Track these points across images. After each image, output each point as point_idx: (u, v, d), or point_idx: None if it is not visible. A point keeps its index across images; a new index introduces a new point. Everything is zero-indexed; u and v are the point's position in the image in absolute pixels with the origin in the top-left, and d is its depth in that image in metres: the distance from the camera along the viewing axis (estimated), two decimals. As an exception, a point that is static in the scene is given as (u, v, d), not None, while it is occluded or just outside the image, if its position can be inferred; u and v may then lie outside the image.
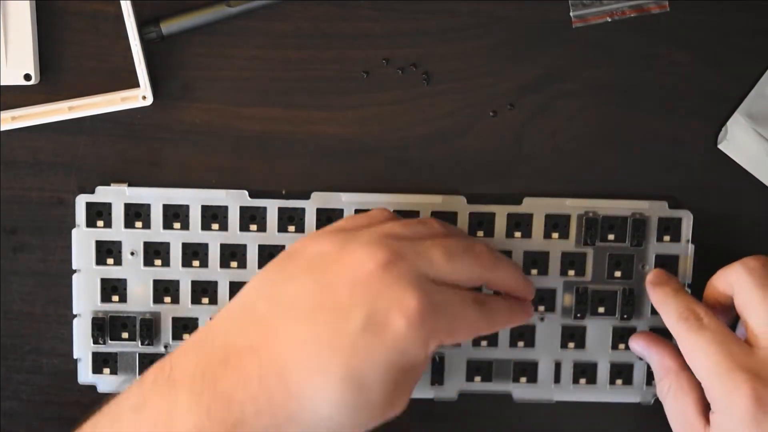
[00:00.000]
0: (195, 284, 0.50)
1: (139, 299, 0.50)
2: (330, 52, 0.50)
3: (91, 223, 0.50)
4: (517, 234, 0.51)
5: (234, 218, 0.50)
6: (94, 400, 0.50)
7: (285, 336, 0.40)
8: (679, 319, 0.46)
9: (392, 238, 0.43)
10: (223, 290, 0.50)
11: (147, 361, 0.50)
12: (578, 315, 0.51)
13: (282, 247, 0.50)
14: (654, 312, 0.51)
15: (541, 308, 0.51)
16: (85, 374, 0.51)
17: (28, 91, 0.49)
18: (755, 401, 0.43)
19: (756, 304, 0.45)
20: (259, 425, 0.39)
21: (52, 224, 0.50)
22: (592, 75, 0.51)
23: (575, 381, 0.52)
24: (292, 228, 0.50)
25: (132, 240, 0.50)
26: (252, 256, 0.50)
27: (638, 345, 0.50)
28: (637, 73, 0.51)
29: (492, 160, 0.51)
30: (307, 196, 0.50)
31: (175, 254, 0.50)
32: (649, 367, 0.51)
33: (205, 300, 0.50)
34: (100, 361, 0.51)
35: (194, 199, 0.50)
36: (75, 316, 0.50)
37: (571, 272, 0.51)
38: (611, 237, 0.51)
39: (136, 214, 0.50)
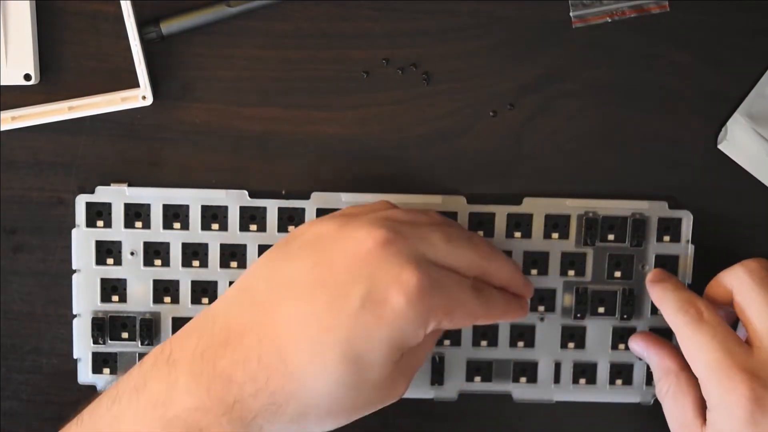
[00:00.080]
0: (195, 284, 0.50)
1: (139, 299, 0.50)
2: (330, 52, 0.50)
3: (91, 223, 0.50)
4: (517, 234, 0.51)
5: (234, 218, 0.50)
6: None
7: (284, 315, 0.40)
8: (679, 311, 0.46)
9: (392, 221, 0.43)
10: (222, 290, 0.50)
11: (147, 361, 0.50)
12: (578, 315, 0.51)
13: (282, 247, 0.50)
14: (654, 312, 0.51)
15: (541, 308, 0.51)
16: (85, 374, 0.51)
17: (28, 91, 0.49)
18: (753, 402, 0.43)
19: (756, 305, 0.45)
20: (259, 404, 0.40)
21: (52, 224, 0.50)
22: (592, 75, 0.50)
23: (575, 381, 0.52)
24: (292, 228, 0.50)
25: (132, 240, 0.50)
26: (252, 256, 0.50)
27: (637, 345, 0.50)
28: (637, 73, 0.51)
29: (492, 160, 0.51)
30: (307, 196, 0.50)
31: (175, 254, 0.50)
32: (648, 368, 0.51)
33: (205, 300, 0.50)
34: (100, 361, 0.51)
35: (194, 199, 0.50)
36: (75, 316, 0.50)
37: (571, 272, 0.51)
38: (611, 237, 0.51)
39: (136, 214, 0.50)
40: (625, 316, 0.51)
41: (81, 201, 0.50)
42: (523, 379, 0.52)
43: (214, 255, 0.50)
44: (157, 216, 0.50)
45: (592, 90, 0.51)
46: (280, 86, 0.50)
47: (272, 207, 0.50)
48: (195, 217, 0.50)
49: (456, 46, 0.50)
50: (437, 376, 0.51)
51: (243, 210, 0.50)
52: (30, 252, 0.50)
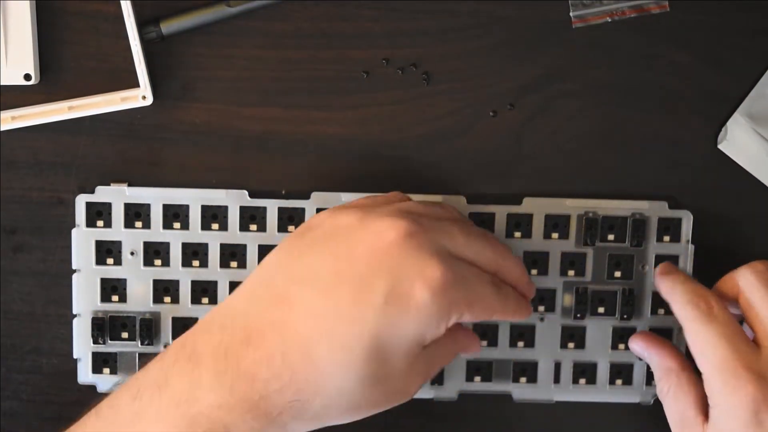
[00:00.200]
0: (195, 284, 0.50)
1: (139, 299, 0.50)
2: (330, 52, 0.50)
3: (91, 223, 0.50)
4: (517, 234, 0.51)
5: (234, 218, 0.50)
6: (94, 400, 0.51)
7: (306, 310, 0.40)
8: (688, 303, 0.46)
9: (412, 212, 0.43)
10: (222, 290, 0.50)
11: (147, 361, 0.50)
12: (578, 315, 0.51)
13: (282, 247, 0.50)
14: (654, 312, 0.51)
15: (541, 308, 0.51)
16: (85, 374, 0.51)
17: (28, 91, 0.49)
18: (758, 402, 0.43)
19: (763, 305, 0.45)
20: (284, 400, 0.40)
21: (52, 224, 0.50)
22: (592, 75, 0.50)
23: (575, 381, 0.52)
24: (292, 228, 0.50)
25: (132, 240, 0.50)
26: (252, 256, 0.50)
27: (638, 345, 0.50)
28: (637, 73, 0.51)
29: (492, 160, 0.51)
30: (307, 196, 0.50)
31: (175, 254, 0.50)
32: (649, 367, 0.51)
33: (205, 300, 0.50)
34: (100, 361, 0.51)
35: (194, 199, 0.50)
36: (75, 316, 0.50)
37: (571, 272, 0.51)
38: (611, 237, 0.51)
39: (136, 214, 0.50)
40: (625, 316, 0.51)
41: (81, 201, 0.50)
42: (523, 379, 0.52)
43: (214, 255, 0.50)
44: (157, 216, 0.50)
45: (592, 90, 0.51)
46: (280, 86, 0.50)
47: (272, 207, 0.50)
48: (195, 217, 0.50)
49: (456, 46, 0.50)
50: (437, 375, 0.51)
51: (243, 210, 0.50)
52: (30, 252, 0.50)
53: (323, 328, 0.40)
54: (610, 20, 0.50)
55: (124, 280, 0.50)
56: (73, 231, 0.50)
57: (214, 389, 0.40)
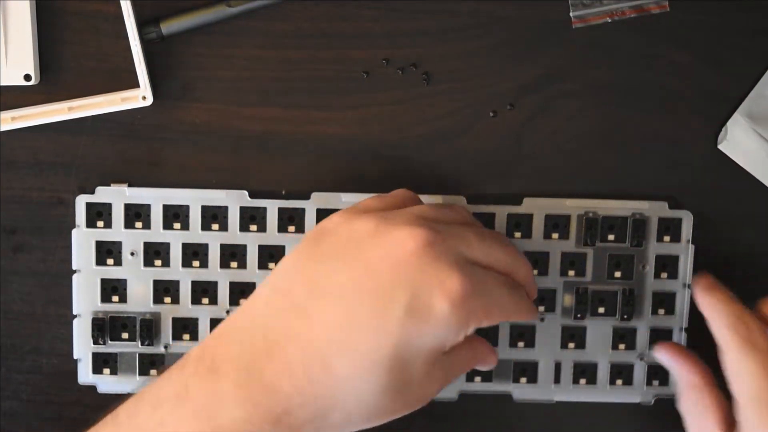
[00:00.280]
0: (195, 284, 0.50)
1: (139, 299, 0.50)
2: (330, 52, 0.50)
3: (91, 223, 0.50)
4: (517, 234, 0.51)
5: (234, 218, 0.50)
6: (94, 401, 0.51)
7: (326, 322, 0.40)
8: (728, 328, 0.45)
9: (427, 219, 0.43)
10: (223, 290, 0.50)
11: (147, 361, 0.50)
12: (578, 315, 0.51)
13: (282, 248, 0.50)
14: (654, 312, 0.51)
15: (541, 308, 0.51)
16: (85, 374, 0.51)
17: (28, 91, 0.49)
18: None
19: None
20: (306, 414, 0.39)
21: (52, 224, 0.50)
22: (592, 75, 0.51)
23: (575, 381, 0.52)
24: (292, 228, 0.50)
25: (132, 240, 0.50)
26: (252, 256, 0.50)
27: (664, 355, 0.50)
28: (637, 73, 0.51)
29: (492, 160, 0.51)
30: (307, 196, 0.50)
31: (175, 254, 0.50)
32: (649, 368, 0.51)
33: (205, 300, 0.50)
34: (100, 362, 0.51)
35: (194, 199, 0.50)
36: (75, 316, 0.50)
37: (571, 272, 0.51)
38: (611, 237, 0.51)
39: (136, 214, 0.50)
40: (625, 317, 0.51)
41: (81, 201, 0.50)
42: (523, 379, 0.52)
43: (214, 255, 0.50)
44: (157, 216, 0.50)
45: (592, 90, 0.51)
46: (280, 86, 0.50)
47: (272, 207, 0.50)
48: (195, 217, 0.50)
49: (456, 46, 0.50)
50: (437, 376, 0.51)
51: (243, 210, 0.50)
52: (30, 252, 0.50)
53: (344, 341, 0.40)
54: (610, 20, 0.50)
55: (125, 280, 0.50)
56: (73, 231, 0.50)
57: (236, 402, 0.39)
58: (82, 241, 0.50)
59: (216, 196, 0.50)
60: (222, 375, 0.40)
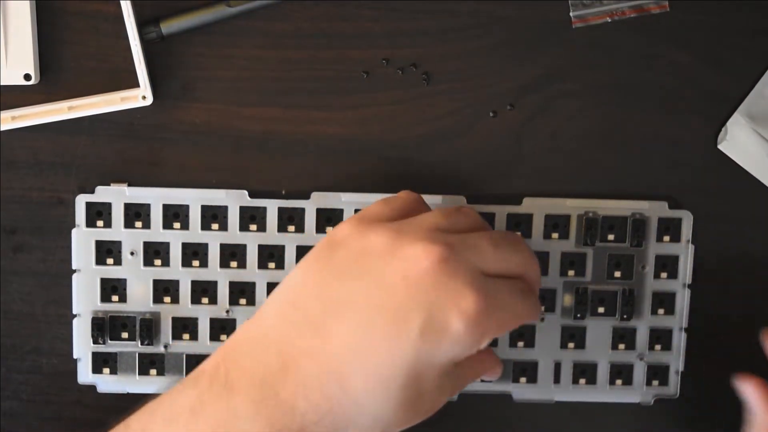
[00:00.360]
0: (195, 284, 0.50)
1: (139, 299, 0.50)
2: (330, 52, 0.50)
3: (91, 223, 0.50)
4: (517, 234, 0.51)
5: (234, 218, 0.50)
6: (94, 400, 0.51)
7: (343, 340, 0.40)
8: None
9: (440, 231, 0.42)
10: (222, 290, 0.50)
11: (147, 361, 0.50)
12: (578, 315, 0.51)
13: (282, 248, 0.50)
14: (654, 312, 0.51)
15: (541, 308, 0.51)
16: (85, 374, 0.51)
17: (28, 91, 0.49)
18: None
19: None
20: (320, 430, 0.39)
21: (52, 224, 0.50)
22: (592, 75, 0.50)
23: (575, 381, 0.52)
24: (292, 228, 0.50)
25: (132, 240, 0.50)
26: (252, 256, 0.50)
27: (745, 389, 0.49)
28: (637, 73, 0.51)
29: (492, 160, 0.51)
30: (307, 196, 0.50)
31: (175, 254, 0.50)
32: (649, 368, 0.51)
33: (205, 300, 0.50)
34: (100, 361, 0.51)
35: (194, 199, 0.50)
36: (75, 316, 0.50)
37: (571, 272, 0.51)
38: (611, 237, 0.51)
39: (136, 214, 0.50)
40: (625, 316, 0.51)
41: (81, 201, 0.50)
42: (523, 379, 0.52)
43: (214, 255, 0.50)
44: (157, 216, 0.50)
45: (592, 90, 0.51)
46: (280, 86, 0.50)
47: (272, 207, 0.50)
48: (195, 217, 0.50)
49: (456, 46, 0.50)
50: (437, 376, 0.51)
51: (243, 210, 0.50)
52: (30, 252, 0.50)
53: (359, 360, 0.40)
54: (610, 20, 0.50)
55: (124, 280, 0.50)
56: (73, 231, 0.50)
57: (252, 419, 0.39)
58: (82, 240, 0.50)
59: (216, 196, 0.50)
60: (236, 391, 0.40)
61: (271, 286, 0.50)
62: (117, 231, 0.50)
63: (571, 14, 0.50)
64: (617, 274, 0.51)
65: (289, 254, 0.50)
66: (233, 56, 0.50)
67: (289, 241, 0.50)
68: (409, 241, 0.41)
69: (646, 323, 0.52)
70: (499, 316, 0.42)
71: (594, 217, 0.51)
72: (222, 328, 0.51)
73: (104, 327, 0.50)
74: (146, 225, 0.50)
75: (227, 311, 0.51)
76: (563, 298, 0.51)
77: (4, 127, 0.49)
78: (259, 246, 0.50)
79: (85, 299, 0.50)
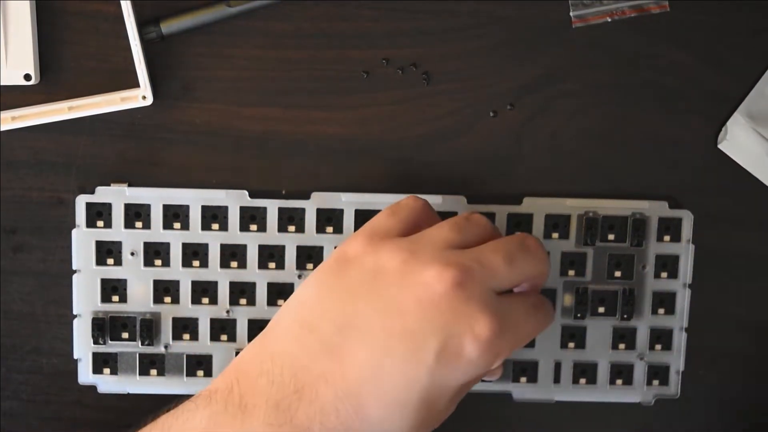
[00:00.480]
0: (195, 284, 0.50)
1: (139, 299, 0.50)
2: (330, 52, 0.50)
3: (91, 223, 0.50)
4: (517, 234, 0.51)
5: (234, 218, 0.50)
6: (94, 400, 0.51)
7: (357, 366, 0.40)
8: None
9: (452, 248, 0.42)
10: (223, 290, 0.50)
11: (147, 361, 0.50)
12: (578, 315, 0.51)
13: (282, 248, 0.50)
14: (654, 312, 0.51)
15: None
16: (85, 374, 0.51)
17: (28, 91, 0.49)
18: None
19: None
20: None
21: (52, 224, 0.50)
22: (592, 75, 0.51)
23: (575, 381, 0.52)
24: (292, 228, 0.50)
25: (132, 240, 0.50)
26: (252, 256, 0.50)
27: None
28: (637, 73, 0.51)
29: (492, 160, 0.51)
30: (307, 196, 0.50)
31: (175, 254, 0.50)
32: (649, 368, 0.51)
33: (205, 300, 0.50)
34: (100, 361, 0.51)
35: (194, 199, 0.50)
36: (75, 316, 0.50)
37: (571, 272, 0.51)
38: (611, 237, 0.51)
39: (136, 214, 0.50)
40: (625, 316, 0.51)
41: (81, 201, 0.50)
42: (523, 379, 0.52)
43: (214, 255, 0.50)
44: (157, 216, 0.50)
45: (592, 90, 0.51)
46: (280, 86, 0.50)
47: (272, 207, 0.50)
48: (195, 217, 0.50)
49: (456, 46, 0.50)
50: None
51: (243, 210, 0.50)
52: (30, 252, 0.50)
53: (376, 385, 0.40)
54: (610, 20, 0.50)
55: (125, 280, 0.50)
56: (73, 231, 0.50)
57: None
58: (82, 241, 0.50)
59: (216, 196, 0.50)
60: (251, 414, 0.40)
61: (271, 287, 0.50)
62: (117, 231, 0.50)
63: (571, 14, 0.50)
64: (617, 273, 0.51)
65: (289, 254, 0.50)
66: (233, 56, 0.50)
67: (289, 241, 0.50)
68: (423, 263, 0.41)
69: (647, 323, 0.52)
70: (512, 337, 0.42)
71: (594, 217, 0.51)
72: (222, 328, 0.51)
73: (104, 327, 0.50)
74: (146, 225, 0.50)
75: (227, 311, 0.51)
76: (563, 298, 0.51)
77: (4, 127, 0.49)
78: (260, 246, 0.50)
79: (85, 299, 0.50)
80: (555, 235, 0.51)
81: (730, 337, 0.53)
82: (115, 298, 0.50)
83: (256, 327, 0.50)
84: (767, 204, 0.52)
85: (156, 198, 0.50)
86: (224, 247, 0.50)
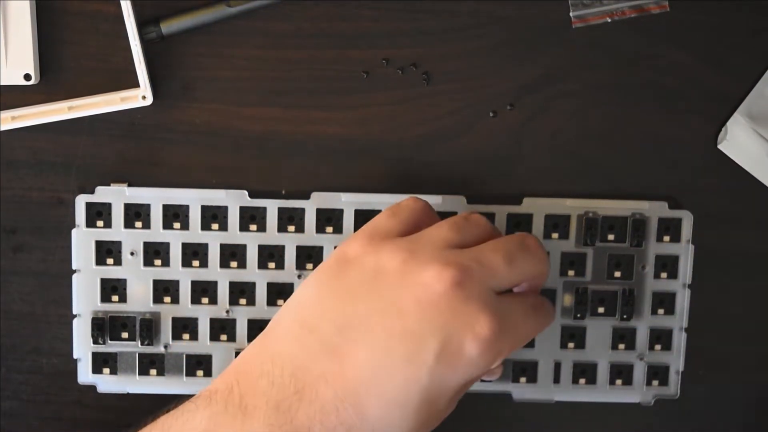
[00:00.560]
0: (195, 284, 0.50)
1: (139, 299, 0.50)
2: (330, 52, 0.50)
3: (91, 223, 0.50)
4: (517, 234, 0.51)
5: (234, 218, 0.50)
6: (94, 400, 0.51)
7: (358, 366, 0.40)
8: None
9: (451, 248, 0.42)
10: (222, 290, 0.50)
11: (147, 361, 0.50)
12: (578, 315, 0.51)
13: (282, 248, 0.50)
14: (654, 312, 0.51)
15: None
16: (85, 374, 0.51)
17: (28, 91, 0.49)
18: None
19: None
20: None
21: (52, 224, 0.50)
22: (592, 75, 0.50)
23: (575, 381, 0.52)
24: (292, 228, 0.50)
25: (132, 240, 0.50)
26: (252, 256, 0.50)
27: None
28: (637, 73, 0.51)
29: (492, 160, 0.51)
30: (307, 196, 0.50)
31: (175, 254, 0.50)
32: (649, 368, 0.51)
33: (205, 300, 0.50)
34: (100, 361, 0.51)
35: (194, 199, 0.50)
36: (75, 316, 0.50)
37: (571, 272, 0.51)
38: (611, 237, 0.51)
39: (136, 214, 0.50)
40: (625, 316, 0.51)
41: (81, 201, 0.50)
42: (523, 379, 0.52)
43: (214, 255, 0.50)
44: (157, 216, 0.50)
45: (592, 90, 0.51)
46: (280, 86, 0.50)
47: (272, 207, 0.50)
48: (195, 217, 0.50)
49: (456, 46, 0.50)
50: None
51: (243, 210, 0.50)
52: (30, 252, 0.50)
53: (376, 385, 0.40)
54: (610, 20, 0.50)
55: (124, 280, 0.50)
56: (73, 231, 0.50)
57: None
58: (82, 241, 0.50)
59: (216, 196, 0.50)
60: (251, 414, 0.40)
61: (271, 287, 0.50)
62: (117, 231, 0.50)
63: (571, 14, 0.50)
64: (617, 274, 0.51)
65: (289, 254, 0.50)
66: (233, 56, 0.50)
67: (289, 241, 0.50)
68: (422, 263, 0.41)
69: (646, 323, 0.52)
70: (512, 337, 0.42)
71: (594, 217, 0.51)
72: (222, 328, 0.51)
73: (104, 327, 0.50)
74: (146, 225, 0.50)
75: (227, 311, 0.51)
76: (563, 298, 0.51)
77: (4, 127, 0.49)
78: (259, 246, 0.50)
79: (85, 299, 0.50)
80: (555, 235, 0.51)
81: (730, 337, 0.53)
82: (115, 298, 0.50)
83: (256, 327, 0.50)
84: (767, 204, 0.52)
85: (156, 198, 0.50)
86: (224, 247, 0.50)
